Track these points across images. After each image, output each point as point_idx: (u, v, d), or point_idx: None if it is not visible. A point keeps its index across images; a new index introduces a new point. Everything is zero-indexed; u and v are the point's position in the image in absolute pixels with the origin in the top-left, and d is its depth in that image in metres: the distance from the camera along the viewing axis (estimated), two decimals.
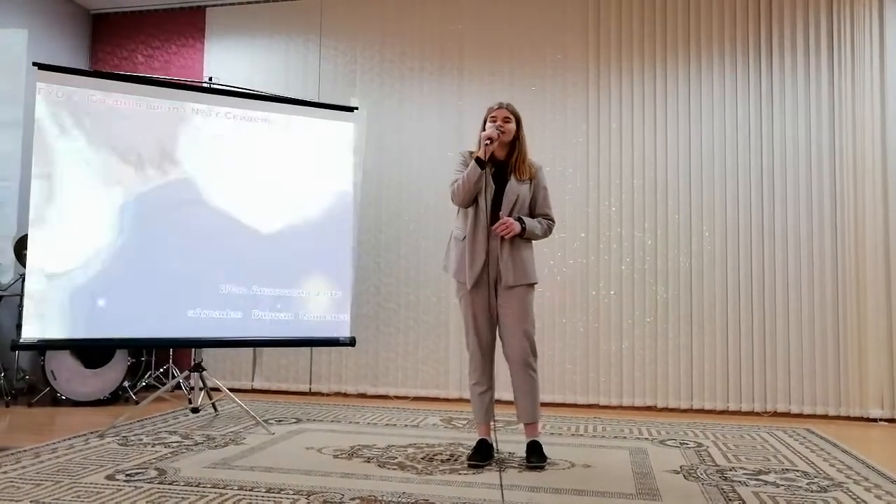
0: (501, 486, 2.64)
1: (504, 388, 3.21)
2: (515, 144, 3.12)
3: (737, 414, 4.54)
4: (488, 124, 3.09)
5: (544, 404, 3.17)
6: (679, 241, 4.73)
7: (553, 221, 3.21)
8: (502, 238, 3.04)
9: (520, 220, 3.05)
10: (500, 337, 3.14)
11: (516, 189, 3.08)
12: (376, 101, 5.21)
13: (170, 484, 2.67)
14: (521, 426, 3.16)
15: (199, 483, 2.69)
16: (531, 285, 3.11)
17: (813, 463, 3.16)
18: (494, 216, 3.04)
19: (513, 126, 3.09)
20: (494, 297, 3.08)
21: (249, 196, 4.12)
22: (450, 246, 3.21)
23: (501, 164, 3.13)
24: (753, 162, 4.66)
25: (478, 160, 3.00)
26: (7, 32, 5.08)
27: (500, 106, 3.11)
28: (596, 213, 4.84)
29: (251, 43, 5.48)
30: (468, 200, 3.06)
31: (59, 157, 3.71)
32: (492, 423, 3.14)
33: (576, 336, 4.82)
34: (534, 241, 3.17)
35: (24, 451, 3.17)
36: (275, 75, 5.39)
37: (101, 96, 3.83)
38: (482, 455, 3.04)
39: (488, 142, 2.98)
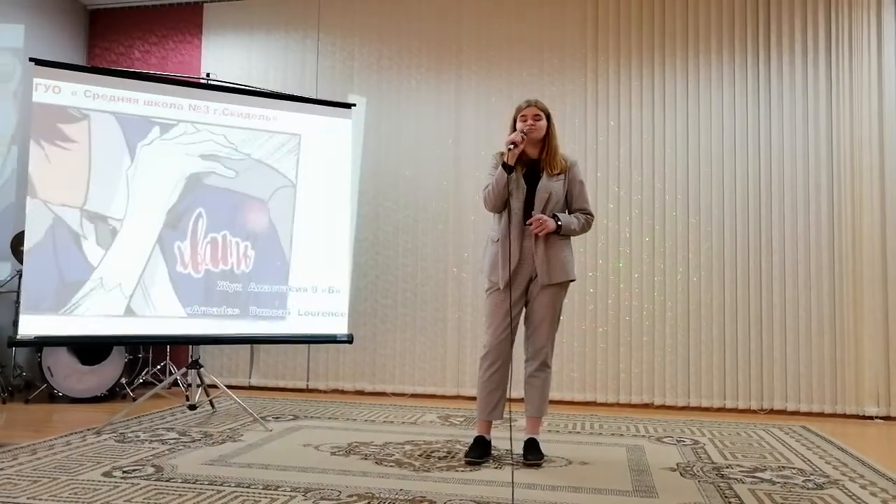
0: (513, 483, 2.64)
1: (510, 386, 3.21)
2: (546, 140, 3.09)
3: (733, 411, 4.55)
4: (518, 124, 3.06)
5: None
6: (676, 238, 4.73)
7: (591, 216, 3.18)
8: (536, 236, 3.01)
9: (554, 217, 3.02)
10: (524, 329, 3.11)
11: (548, 186, 3.04)
12: (374, 98, 5.20)
13: (167, 481, 2.67)
14: (521, 422, 3.15)
15: (197, 480, 2.69)
16: (566, 283, 3.09)
17: (809, 460, 3.17)
18: (528, 215, 3.02)
19: (543, 124, 3.05)
20: (525, 294, 3.08)
21: (247, 192, 4.12)
22: (485, 248, 3.17)
23: (534, 161, 3.09)
24: (751, 160, 4.66)
25: (504, 165, 2.97)
26: (4, 28, 5.07)
27: (529, 104, 3.07)
28: (593, 210, 4.81)
29: (249, 39, 5.47)
30: (499, 206, 3.03)
31: (57, 152, 3.70)
32: (496, 423, 3.13)
33: (573, 333, 4.82)
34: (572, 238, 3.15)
35: (22, 447, 3.17)
36: (272, 71, 5.38)
37: (98, 92, 3.81)
38: (479, 452, 3.04)
39: (512, 146, 2.95)
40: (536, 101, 3.09)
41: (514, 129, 3.08)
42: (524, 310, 3.12)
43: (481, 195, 3.10)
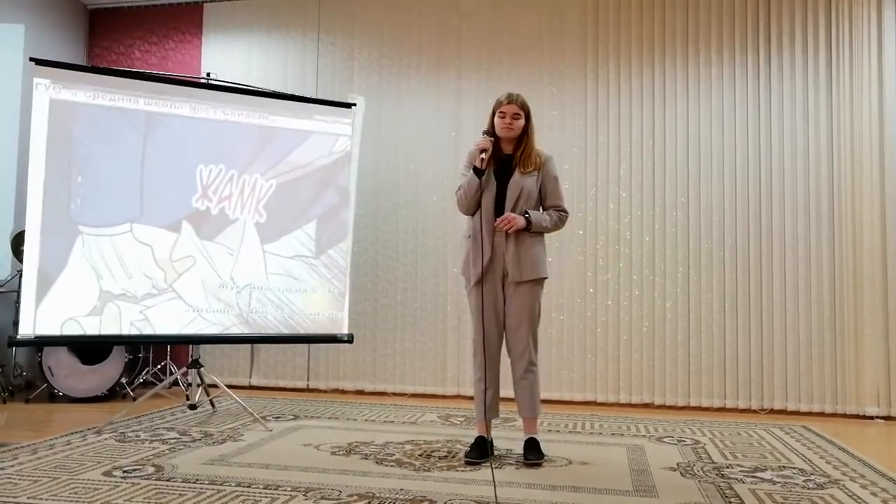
0: (494, 483, 2.63)
1: (504, 385, 3.22)
2: (523, 139, 3.08)
3: (734, 411, 4.55)
4: (497, 120, 3.05)
5: (542, 401, 3.16)
6: (676, 238, 4.73)
7: (565, 212, 3.15)
8: (507, 233, 3.01)
9: (526, 214, 3.02)
10: (504, 331, 3.11)
11: (520, 182, 3.03)
12: (374, 98, 5.19)
13: (167, 480, 2.67)
14: (521, 422, 3.16)
15: (197, 480, 2.69)
16: (539, 280, 3.09)
17: (809, 460, 3.17)
18: (500, 212, 3.01)
19: (521, 123, 3.04)
20: (502, 292, 3.07)
21: (247, 192, 4.12)
22: (460, 245, 3.18)
23: (507, 157, 3.09)
24: (751, 160, 4.66)
25: (475, 170, 2.98)
26: (4, 27, 5.06)
27: (511, 100, 3.04)
28: (594, 210, 4.84)
29: (249, 39, 5.47)
30: (472, 208, 3.03)
31: (56, 152, 3.70)
32: (496, 423, 3.14)
33: (573, 333, 4.82)
34: (546, 235, 3.14)
35: (22, 447, 3.17)
36: (273, 71, 5.38)
37: (98, 92, 3.81)
38: (480, 452, 3.03)
39: (483, 155, 2.96)
40: (517, 98, 3.05)
41: (491, 123, 3.07)
42: (504, 309, 3.11)
43: (455, 196, 3.09)
